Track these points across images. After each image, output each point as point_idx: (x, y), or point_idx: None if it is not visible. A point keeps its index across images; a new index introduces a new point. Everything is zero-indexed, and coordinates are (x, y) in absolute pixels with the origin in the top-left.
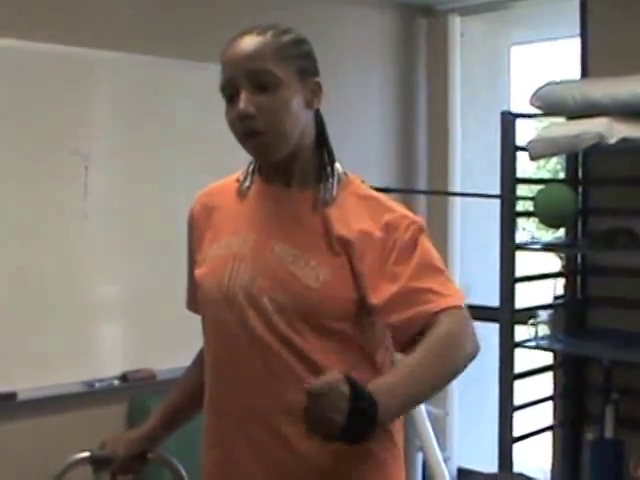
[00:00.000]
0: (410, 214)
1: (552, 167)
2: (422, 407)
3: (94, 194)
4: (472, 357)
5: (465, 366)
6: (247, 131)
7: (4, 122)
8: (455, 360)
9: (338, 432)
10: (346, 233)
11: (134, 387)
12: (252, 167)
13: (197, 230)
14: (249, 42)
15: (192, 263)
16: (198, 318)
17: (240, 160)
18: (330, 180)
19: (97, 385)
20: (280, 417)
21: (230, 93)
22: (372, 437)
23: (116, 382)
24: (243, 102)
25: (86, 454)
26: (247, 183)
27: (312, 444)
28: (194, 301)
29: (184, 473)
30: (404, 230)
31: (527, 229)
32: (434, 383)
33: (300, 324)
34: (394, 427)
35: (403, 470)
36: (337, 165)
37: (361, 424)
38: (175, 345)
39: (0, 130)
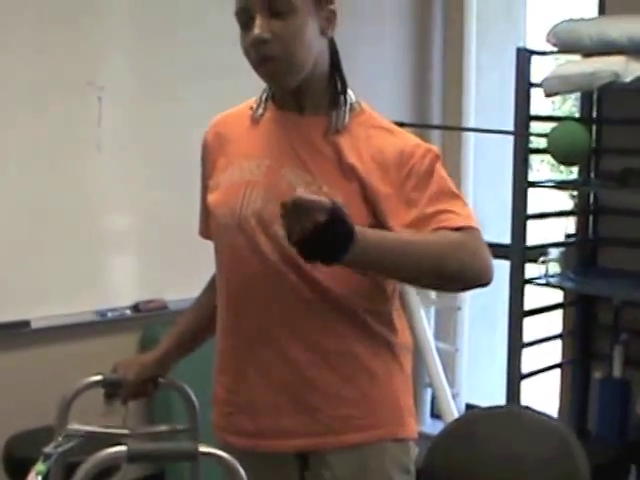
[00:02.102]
0: (423, 143)
1: (568, 109)
2: (431, 343)
3: (107, 125)
4: (476, 275)
5: (462, 277)
6: (261, 57)
7: (17, 52)
8: (453, 260)
9: (309, 236)
10: (357, 161)
11: (146, 317)
12: (265, 95)
13: (210, 157)
14: None
15: (205, 190)
16: (210, 249)
17: (255, 91)
18: (342, 108)
19: (109, 315)
20: (289, 342)
21: (245, 19)
22: (338, 259)
23: (128, 312)
24: (258, 27)
25: (98, 377)
26: (260, 110)
27: (320, 369)
28: (206, 228)
29: (194, 398)
30: (421, 157)
31: (540, 170)
32: (420, 262)
33: None
34: (402, 352)
35: (410, 395)
36: (350, 93)
37: (331, 238)
38: (187, 276)
39: (13, 60)
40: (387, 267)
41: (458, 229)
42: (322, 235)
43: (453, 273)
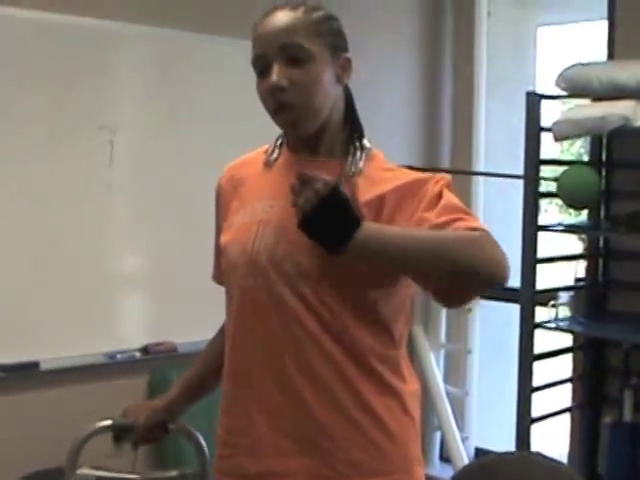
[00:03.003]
0: (435, 174)
1: (576, 151)
2: (441, 386)
3: (119, 166)
4: (493, 269)
5: (477, 270)
6: (278, 104)
7: (32, 96)
8: (467, 250)
9: (311, 214)
10: (371, 198)
11: (155, 360)
12: (280, 141)
13: (224, 201)
14: (282, 17)
15: (218, 233)
16: (220, 292)
17: (265, 133)
18: (358, 154)
19: (119, 357)
20: (301, 383)
21: (261, 67)
22: (343, 247)
23: (137, 354)
24: (276, 75)
25: (108, 422)
26: (274, 155)
27: (330, 412)
28: (220, 273)
29: (204, 444)
30: (434, 183)
31: (549, 211)
32: (433, 251)
33: (324, 289)
34: (410, 400)
35: (419, 443)
36: (365, 140)
37: (335, 221)
38: (197, 319)
39: (28, 104)
40: (397, 255)
41: (474, 229)
42: (325, 209)
43: (472, 262)
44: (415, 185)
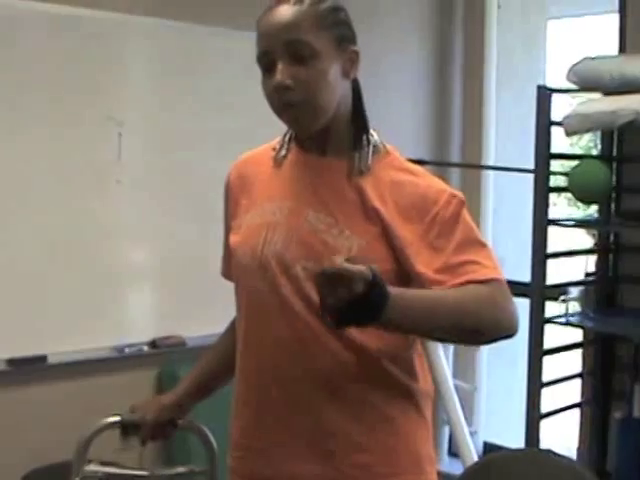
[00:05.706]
0: (449, 188)
1: (585, 144)
2: (450, 381)
3: (127, 160)
4: (504, 331)
5: (491, 334)
6: (284, 103)
7: (40, 87)
8: (482, 318)
9: (344, 306)
10: (381, 205)
11: (164, 353)
12: (288, 136)
13: (233, 197)
14: (286, 12)
15: (227, 230)
16: (229, 286)
17: (274, 128)
18: (365, 149)
19: (127, 350)
20: (307, 385)
21: (266, 64)
22: (364, 327)
23: (146, 348)
24: (280, 74)
25: (116, 418)
26: (283, 152)
27: (338, 415)
28: (229, 269)
29: (213, 440)
30: (445, 204)
31: (557, 204)
32: (451, 323)
33: None
34: (422, 400)
35: (430, 443)
36: (374, 135)
37: (363, 307)
38: (205, 312)
39: (36, 95)
40: (417, 329)
41: (484, 281)
42: (357, 305)
43: (487, 329)
44: (424, 203)
